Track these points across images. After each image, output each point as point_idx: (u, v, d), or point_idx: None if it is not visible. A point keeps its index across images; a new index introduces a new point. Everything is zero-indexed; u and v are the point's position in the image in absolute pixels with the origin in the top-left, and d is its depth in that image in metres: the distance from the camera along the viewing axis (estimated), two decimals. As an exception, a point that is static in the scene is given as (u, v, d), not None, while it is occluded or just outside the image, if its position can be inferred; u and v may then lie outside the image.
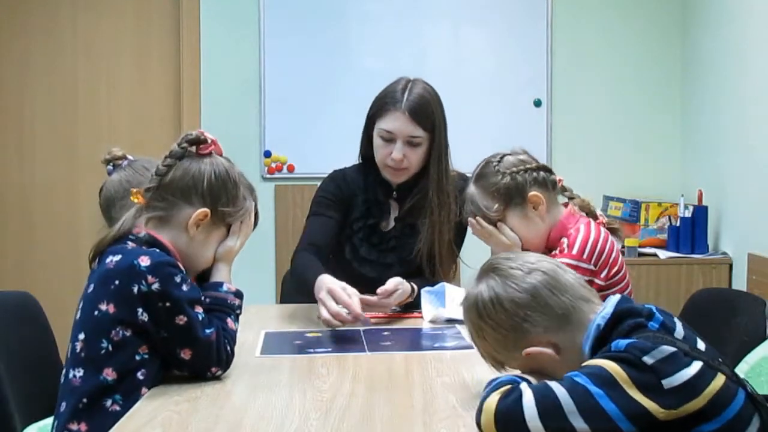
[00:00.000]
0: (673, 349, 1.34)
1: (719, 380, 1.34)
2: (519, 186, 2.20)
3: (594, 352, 1.42)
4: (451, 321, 2.31)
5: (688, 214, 3.96)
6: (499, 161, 2.23)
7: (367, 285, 2.37)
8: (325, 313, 2.17)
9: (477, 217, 2.24)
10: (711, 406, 1.32)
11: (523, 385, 1.35)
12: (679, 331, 1.41)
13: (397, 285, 2.35)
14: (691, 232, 3.93)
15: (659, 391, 1.30)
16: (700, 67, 4.23)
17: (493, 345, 1.50)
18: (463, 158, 2.64)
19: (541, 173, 2.22)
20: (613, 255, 2.19)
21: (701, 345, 1.40)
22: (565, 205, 2.28)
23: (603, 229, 2.22)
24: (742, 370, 1.87)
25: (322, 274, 2.28)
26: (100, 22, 4.45)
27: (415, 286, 2.43)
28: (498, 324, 1.46)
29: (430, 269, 2.56)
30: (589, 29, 4.47)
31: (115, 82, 4.45)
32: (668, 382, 1.31)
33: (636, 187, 4.32)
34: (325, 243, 2.55)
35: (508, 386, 1.36)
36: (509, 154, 2.25)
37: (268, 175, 4.39)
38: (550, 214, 2.22)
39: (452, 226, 2.57)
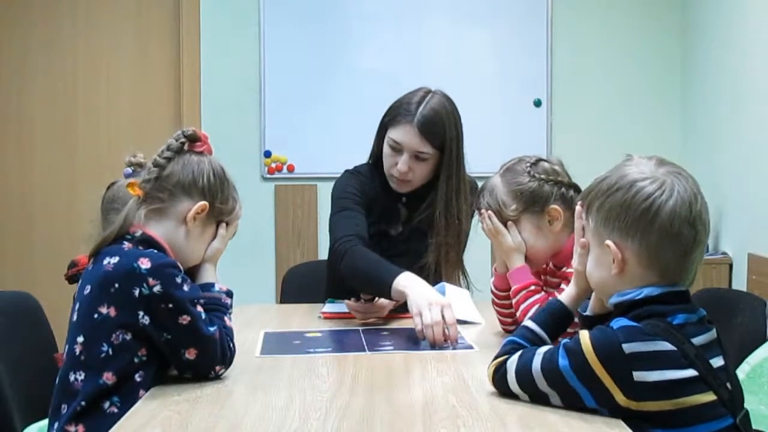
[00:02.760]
0: (671, 348, 1.34)
1: (706, 397, 1.34)
2: (543, 195, 2.11)
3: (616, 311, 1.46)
4: (451, 321, 2.30)
5: (688, 214, 3.94)
6: (533, 164, 2.14)
7: None
8: (430, 334, 2.02)
9: (489, 212, 2.16)
10: (681, 415, 1.33)
11: (515, 356, 1.52)
12: (701, 339, 1.41)
13: None
14: (691, 232, 3.91)
15: (627, 380, 1.34)
16: (700, 68, 4.23)
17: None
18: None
19: (570, 191, 2.12)
20: None
21: (718, 362, 1.40)
22: None
23: None
24: (743, 370, 1.87)
25: (401, 272, 2.18)
26: (100, 22, 4.45)
27: None
28: (618, 199, 1.57)
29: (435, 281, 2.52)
30: (590, 29, 4.47)
31: (115, 82, 4.46)
32: (640, 376, 1.33)
33: (636, 187, 4.32)
34: (366, 238, 2.43)
35: (506, 355, 1.54)
36: (545, 160, 2.17)
37: (268, 175, 4.38)
38: (564, 232, 2.12)
39: (459, 242, 2.54)
